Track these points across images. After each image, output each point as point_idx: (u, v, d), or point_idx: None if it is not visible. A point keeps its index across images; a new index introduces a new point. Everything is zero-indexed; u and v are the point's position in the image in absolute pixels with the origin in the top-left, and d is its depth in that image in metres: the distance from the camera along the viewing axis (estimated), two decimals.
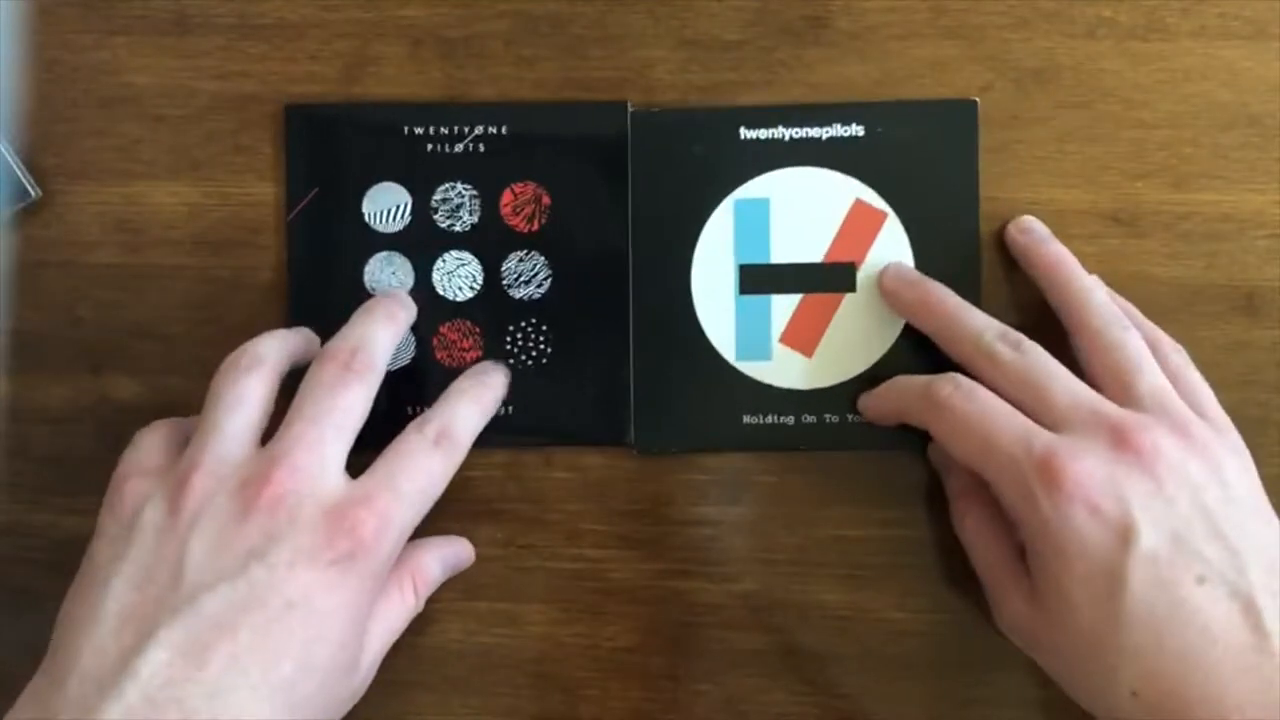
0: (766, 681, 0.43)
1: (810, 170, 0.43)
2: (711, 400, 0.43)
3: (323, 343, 0.40)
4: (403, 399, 0.43)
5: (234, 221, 0.44)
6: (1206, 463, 0.37)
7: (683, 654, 0.43)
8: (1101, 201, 0.43)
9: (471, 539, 0.43)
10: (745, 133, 0.43)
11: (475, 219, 0.44)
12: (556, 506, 0.44)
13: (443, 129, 0.43)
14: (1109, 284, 0.42)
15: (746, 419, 0.43)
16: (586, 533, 0.44)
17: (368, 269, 0.44)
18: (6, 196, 0.43)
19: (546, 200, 0.43)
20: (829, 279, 0.43)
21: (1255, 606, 0.34)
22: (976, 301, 0.42)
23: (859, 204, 0.43)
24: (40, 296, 0.44)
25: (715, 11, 0.44)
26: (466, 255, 0.44)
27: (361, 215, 0.44)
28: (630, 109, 0.44)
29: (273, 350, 0.39)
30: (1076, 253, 0.42)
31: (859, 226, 0.43)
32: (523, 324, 0.43)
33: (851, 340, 0.43)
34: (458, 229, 0.44)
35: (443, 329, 0.44)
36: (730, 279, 0.43)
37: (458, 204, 0.44)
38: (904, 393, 0.41)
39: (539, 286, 0.43)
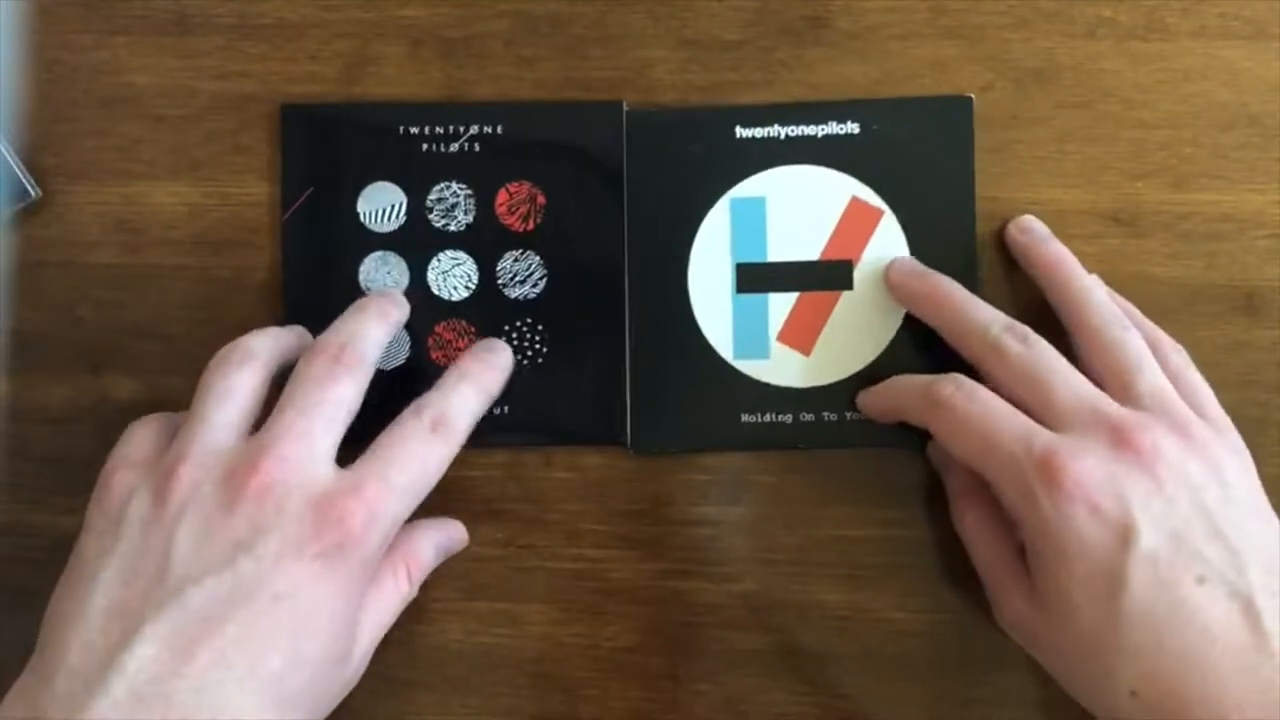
0: (766, 681, 0.43)
1: (806, 168, 0.43)
2: (709, 399, 0.43)
3: None
4: (398, 399, 0.43)
5: (234, 221, 0.44)
6: (1206, 463, 0.37)
7: (683, 654, 0.43)
8: (1101, 201, 0.43)
9: (471, 539, 0.43)
10: (741, 131, 0.43)
11: (470, 219, 0.44)
12: (556, 506, 0.44)
13: (438, 128, 0.44)
14: (1109, 284, 0.42)
15: (745, 418, 0.43)
16: (586, 533, 0.44)
17: (363, 269, 0.44)
18: (6, 196, 0.43)
19: (542, 200, 0.43)
20: (826, 277, 0.43)
21: (1255, 606, 0.34)
22: None
23: (855, 201, 0.43)
24: (40, 296, 0.44)
25: (715, 11, 0.44)
26: (461, 255, 0.44)
27: (356, 215, 0.44)
28: (626, 108, 0.44)
29: (265, 346, 0.39)
30: (1076, 253, 0.42)
31: (855, 224, 0.43)
32: (518, 324, 0.43)
33: (849, 338, 0.43)
34: (453, 229, 0.44)
35: (438, 329, 0.44)
36: (727, 278, 0.43)
37: (453, 204, 0.44)
38: (904, 392, 0.41)
39: (534, 286, 0.43)
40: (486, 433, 0.42)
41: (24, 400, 0.44)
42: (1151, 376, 0.38)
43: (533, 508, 0.44)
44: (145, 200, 0.44)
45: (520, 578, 0.44)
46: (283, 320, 0.43)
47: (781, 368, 0.43)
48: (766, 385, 0.43)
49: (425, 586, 0.41)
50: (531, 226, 0.44)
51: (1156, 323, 0.41)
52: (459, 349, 0.43)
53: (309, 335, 0.41)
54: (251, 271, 0.44)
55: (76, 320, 0.44)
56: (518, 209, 0.43)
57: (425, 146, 0.44)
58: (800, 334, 0.43)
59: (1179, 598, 0.34)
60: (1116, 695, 0.35)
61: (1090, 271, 0.41)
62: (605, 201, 0.43)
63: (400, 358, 0.43)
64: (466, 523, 0.43)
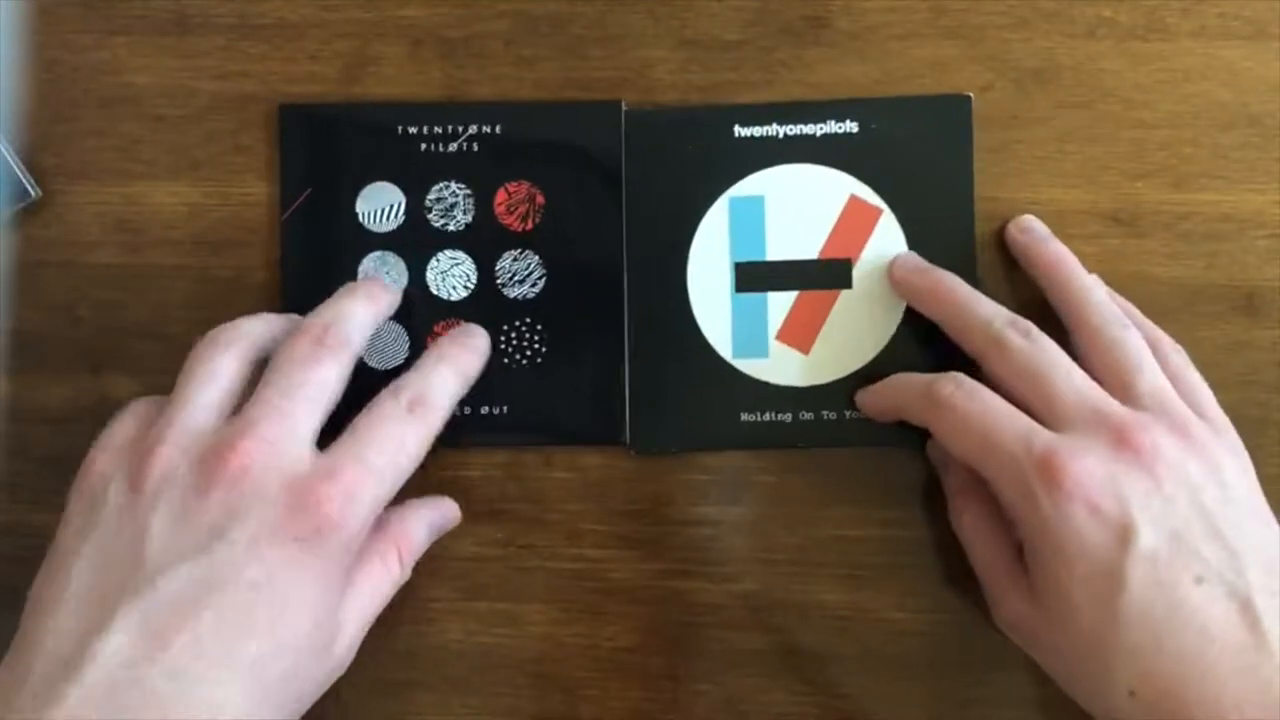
0: (766, 681, 0.43)
1: (805, 167, 0.43)
2: (709, 398, 0.43)
3: None
4: None
5: (234, 221, 0.44)
6: (1205, 463, 0.37)
7: (683, 654, 0.43)
8: (1101, 201, 0.43)
9: (472, 539, 0.43)
10: (739, 130, 0.43)
11: (469, 218, 0.44)
12: (556, 506, 0.44)
13: (437, 128, 0.44)
14: (1109, 284, 0.42)
15: (744, 417, 0.43)
16: (586, 533, 0.44)
17: (362, 268, 0.44)
18: (6, 196, 0.43)
19: (540, 199, 0.43)
20: (825, 275, 0.43)
21: (1253, 606, 0.34)
22: None
23: (854, 200, 0.43)
24: (40, 296, 0.44)
25: (715, 11, 0.44)
26: (460, 255, 0.44)
27: (355, 215, 0.44)
28: (624, 108, 0.44)
29: (252, 330, 0.39)
30: (1076, 253, 0.42)
31: (854, 223, 0.43)
32: (517, 323, 0.43)
33: (848, 336, 0.43)
34: (452, 228, 0.44)
35: (437, 328, 0.43)
36: (726, 277, 0.43)
37: (452, 203, 0.44)
38: (904, 390, 0.41)
39: (533, 286, 0.43)
40: (486, 433, 0.42)
41: (24, 400, 0.44)
42: (1151, 376, 0.38)
43: (533, 508, 0.44)
44: (145, 200, 0.44)
45: (520, 578, 0.44)
46: None
47: (781, 367, 0.43)
48: (766, 384, 0.43)
49: (425, 586, 0.42)
50: (530, 226, 0.44)
51: (1156, 323, 0.41)
52: None
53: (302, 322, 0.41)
54: (251, 271, 0.44)
55: (76, 320, 0.44)
56: (517, 209, 0.43)
57: (424, 146, 0.44)
58: (799, 333, 0.43)
59: (1178, 598, 0.34)
60: (1115, 695, 0.35)
61: (1090, 271, 0.41)
62: (604, 201, 0.43)
63: (399, 357, 0.43)
64: (466, 522, 0.43)
